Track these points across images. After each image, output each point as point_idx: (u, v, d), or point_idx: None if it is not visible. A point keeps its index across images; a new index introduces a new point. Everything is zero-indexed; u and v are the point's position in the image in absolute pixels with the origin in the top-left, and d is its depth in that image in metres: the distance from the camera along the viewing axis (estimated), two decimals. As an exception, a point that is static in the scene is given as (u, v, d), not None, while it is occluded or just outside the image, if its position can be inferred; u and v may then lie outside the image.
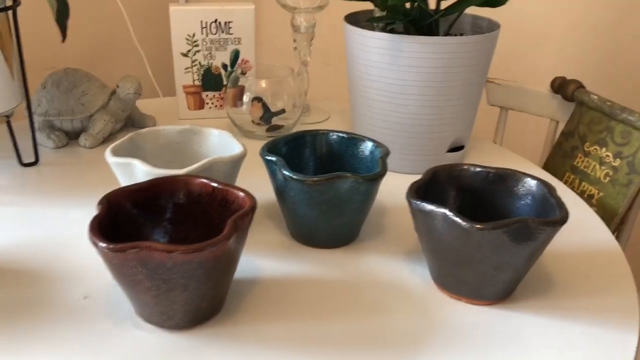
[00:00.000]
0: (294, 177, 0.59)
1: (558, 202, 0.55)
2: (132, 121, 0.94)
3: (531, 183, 0.59)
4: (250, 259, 0.62)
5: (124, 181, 0.62)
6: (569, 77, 0.96)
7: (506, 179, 0.60)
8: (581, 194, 0.87)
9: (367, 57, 0.78)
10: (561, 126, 0.97)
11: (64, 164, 0.83)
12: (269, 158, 0.62)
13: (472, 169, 0.61)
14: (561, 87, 0.95)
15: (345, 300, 0.57)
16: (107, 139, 0.90)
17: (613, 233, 0.83)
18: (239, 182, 0.69)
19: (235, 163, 0.62)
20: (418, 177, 0.60)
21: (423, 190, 0.58)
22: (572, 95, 0.93)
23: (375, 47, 0.76)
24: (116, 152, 0.63)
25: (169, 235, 0.57)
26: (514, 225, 0.50)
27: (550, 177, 0.84)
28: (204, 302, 0.50)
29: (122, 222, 0.53)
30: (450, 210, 0.51)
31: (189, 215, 0.57)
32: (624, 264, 0.64)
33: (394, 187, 0.72)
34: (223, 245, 0.47)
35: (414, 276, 0.60)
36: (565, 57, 1.25)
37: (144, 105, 1.03)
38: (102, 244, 0.46)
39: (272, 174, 0.63)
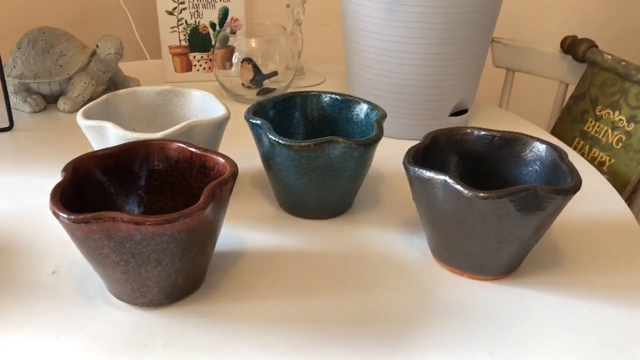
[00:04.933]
0: (281, 141, 0.53)
1: (570, 169, 0.50)
2: (115, 84, 0.89)
3: (540, 148, 0.54)
4: (235, 230, 0.57)
5: (97, 146, 0.57)
6: (580, 36, 0.90)
7: (513, 143, 0.55)
8: (591, 160, 0.82)
9: (363, 12, 0.72)
10: (571, 89, 0.92)
11: (40, 130, 0.78)
12: (254, 121, 0.57)
13: (475, 132, 0.56)
14: (572, 46, 0.89)
15: (337, 275, 0.52)
16: (87, 103, 0.84)
17: (625, 202, 0.78)
18: (226, 148, 0.64)
19: (218, 126, 0.57)
20: (417, 142, 0.55)
21: (422, 155, 0.53)
22: (584, 56, 0.87)
23: (372, 0, 0.70)
24: (89, 115, 0.58)
25: (144, 205, 0.52)
26: (521, 194, 0.45)
27: (558, 142, 0.79)
28: (180, 277, 0.46)
29: (90, 191, 0.49)
30: (450, 177, 0.47)
31: (166, 183, 0.52)
32: (639, 236, 0.60)
33: (391, 154, 0.67)
34: (198, 216, 0.42)
35: (412, 249, 0.56)
36: (576, 14, 1.18)
37: (129, 67, 0.98)
38: (64, 215, 0.42)
39: (258, 139, 0.58)
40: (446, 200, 0.48)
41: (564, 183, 0.49)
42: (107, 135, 0.55)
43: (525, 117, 0.87)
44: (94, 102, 0.60)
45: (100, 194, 0.50)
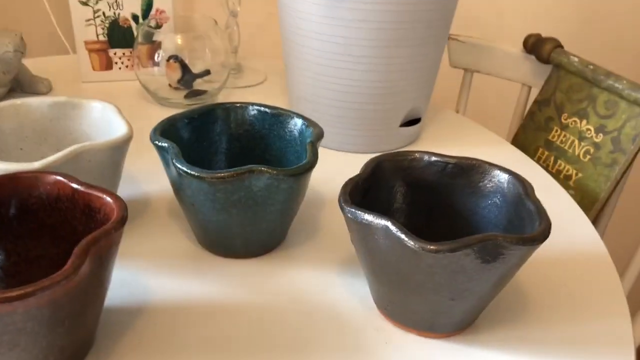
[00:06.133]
0: (190, 171, 0.44)
1: (537, 207, 0.41)
2: (21, 85, 0.77)
3: (502, 178, 0.46)
4: (138, 273, 0.48)
5: (-37, 176, 0.46)
6: (544, 35, 0.82)
7: (470, 171, 0.47)
8: (556, 174, 0.74)
9: (301, 9, 0.62)
10: (534, 92, 0.84)
11: None
12: (160, 144, 0.47)
13: (425, 158, 0.47)
14: (535, 46, 0.81)
15: (264, 333, 0.43)
16: (-15, 108, 0.72)
17: (592, 221, 0.71)
18: (140, 164, 0.54)
19: (115, 150, 0.47)
20: (365, 157, 0.46)
21: (362, 188, 0.44)
22: (549, 57, 0.79)
23: (311, -5, 0.61)
24: (-45, 136, 0.47)
25: (18, 254, 0.42)
26: (479, 245, 0.37)
27: (520, 154, 0.71)
28: (51, 355, 0.36)
29: (-62, 241, 0.38)
30: (393, 224, 0.38)
31: (45, 226, 0.42)
32: (611, 271, 0.52)
33: (333, 170, 0.58)
34: (65, 285, 0.33)
35: (352, 297, 0.47)
36: (540, 11, 1.11)
37: (43, 63, 0.86)
38: None
39: (167, 165, 0.48)
40: (389, 250, 0.39)
41: (529, 225, 0.41)
42: (-28, 164, 0.44)
43: (484, 124, 0.79)
44: (-36, 118, 0.49)
45: (-48, 245, 0.39)
